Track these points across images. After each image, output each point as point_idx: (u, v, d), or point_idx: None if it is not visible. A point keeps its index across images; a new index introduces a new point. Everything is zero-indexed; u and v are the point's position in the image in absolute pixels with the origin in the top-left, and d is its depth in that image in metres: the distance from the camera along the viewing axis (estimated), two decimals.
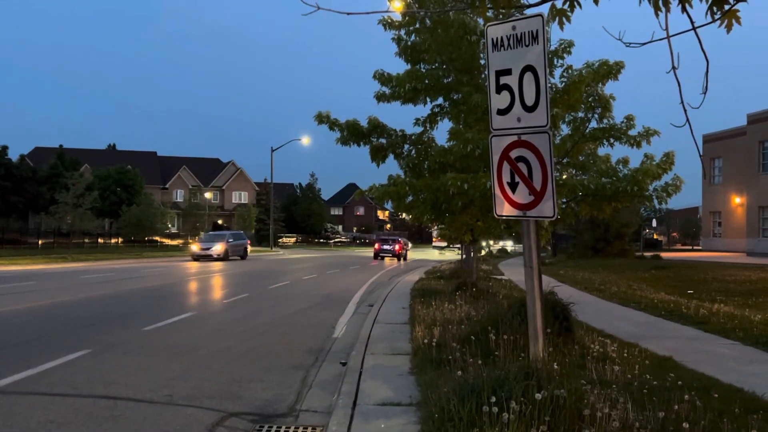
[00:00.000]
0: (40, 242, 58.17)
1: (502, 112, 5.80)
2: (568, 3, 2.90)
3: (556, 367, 5.97)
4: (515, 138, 5.74)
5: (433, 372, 7.57)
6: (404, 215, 12.99)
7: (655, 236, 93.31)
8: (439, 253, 72.04)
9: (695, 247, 76.04)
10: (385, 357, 9.07)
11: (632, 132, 10.56)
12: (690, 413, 5.61)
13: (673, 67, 2.94)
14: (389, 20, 10.84)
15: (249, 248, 50.79)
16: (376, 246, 58.91)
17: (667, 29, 2.83)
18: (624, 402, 5.71)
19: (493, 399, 5.03)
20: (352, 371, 8.20)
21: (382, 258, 56.14)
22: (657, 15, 2.82)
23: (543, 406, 5.01)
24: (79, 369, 8.64)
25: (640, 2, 2.82)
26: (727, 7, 2.78)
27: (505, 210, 5.89)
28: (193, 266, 37.07)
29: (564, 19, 3.03)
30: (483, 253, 15.49)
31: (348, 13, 3.50)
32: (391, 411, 6.34)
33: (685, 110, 2.97)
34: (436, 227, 17.32)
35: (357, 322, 13.48)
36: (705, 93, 2.95)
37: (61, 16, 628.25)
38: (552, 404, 5.06)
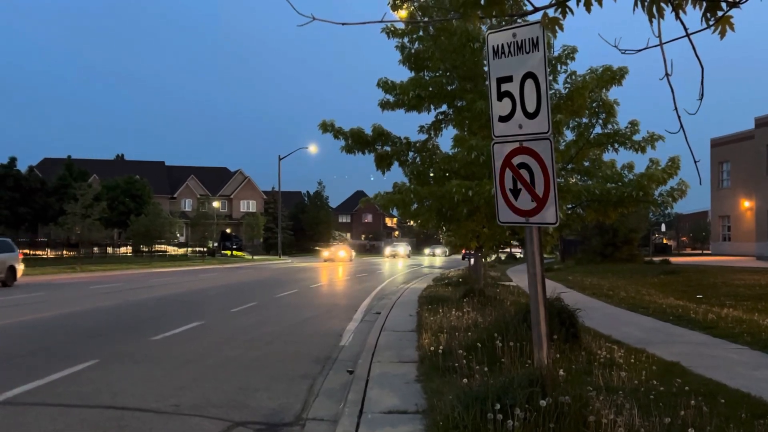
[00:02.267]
0: (49, 253, 58.37)
1: (503, 119, 5.81)
2: (559, 11, 2.91)
3: (562, 373, 5.96)
4: (517, 145, 5.75)
5: (439, 379, 7.57)
6: (411, 222, 13.01)
7: (665, 241, 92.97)
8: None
9: (705, 252, 75.70)
10: (392, 365, 9.07)
11: (637, 137, 10.56)
12: (696, 419, 5.59)
13: (667, 74, 2.95)
14: (392, 28, 10.87)
15: (21, 267, 29.47)
16: (463, 250, 67.66)
17: (659, 36, 2.84)
18: (630, 408, 5.70)
19: (498, 406, 5.03)
20: (359, 379, 8.20)
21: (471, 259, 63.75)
22: (651, 22, 2.83)
23: (547, 413, 5.00)
24: (86, 379, 8.66)
25: (634, 10, 2.84)
26: (720, 13, 2.79)
27: (507, 217, 5.90)
28: None
29: (557, 27, 3.04)
30: (491, 258, 15.33)
31: (342, 24, 3.51)
32: (397, 419, 6.34)
33: (678, 116, 2.98)
34: (442, 234, 17.32)
35: (364, 330, 13.47)
36: (701, 99, 2.95)
37: (69, 25, 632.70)
38: (557, 411, 5.05)
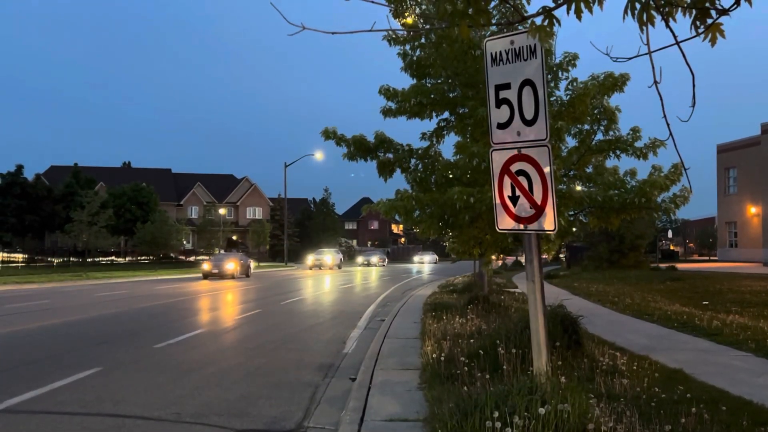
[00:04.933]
0: (55, 261, 58.60)
1: (501, 126, 5.82)
2: (547, 20, 2.91)
3: (563, 380, 5.95)
4: (515, 152, 5.75)
5: (441, 387, 7.55)
6: (415, 229, 12.97)
7: (671, 247, 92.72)
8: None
9: (712, 258, 75.46)
10: (395, 372, 9.06)
11: (638, 144, 10.53)
12: (697, 426, 5.57)
13: (655, 82, 2.95)
14: (394, 36, 10.88)
15: None
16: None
17: (648, 44, 2.85)
18: (630, 416, 5.68)
19: (496, 414, 5.01)
20: (361, 387, 8.20)
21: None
22: (642, 30, 2.84)
23: (546, 421, 4.99)
24: (89, 387, 8.68)
25: (624, 18, 2.84)
26: (709, 21, 2.79)
27: (506, 224, 5.89)
28: None
29: (547, 35, 3.04)
30: (491, 267, 15.12)
31: (332, 33, 3.52)
32: (398, 426, 6.34)
33: (668, 124, 2.98)
34: (447, 241, 17.32)
35: (368, 337, 13.46)
36: (693, 106, 2.96)
37: (76, 33, 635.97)
38: (556, 419, 5.04)
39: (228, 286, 32.83)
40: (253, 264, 49.44)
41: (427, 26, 9.83)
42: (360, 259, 77.15)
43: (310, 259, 62.80)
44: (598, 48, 3.15)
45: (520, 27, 5.80)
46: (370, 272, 54.95)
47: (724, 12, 2.80)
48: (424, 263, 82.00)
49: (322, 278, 43.19)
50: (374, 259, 74.46)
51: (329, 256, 62.89)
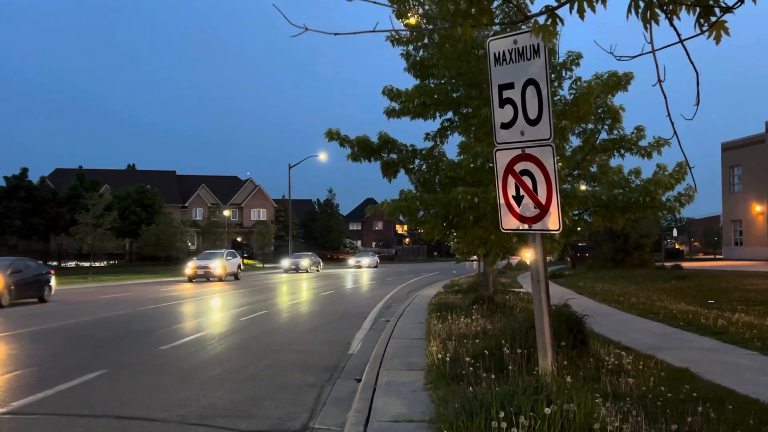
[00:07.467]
0: (60, 264, 58.63)
1: (505, 126, 5.81)
2: (550, 20, 2.91)
3: (569, 380, 5.93)
4: (519, 152, 5.73)
5: (446, 387, 7.54)
6: (419, 230, 12.97)
7: (677, 246, 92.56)
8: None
9: (717, 256, 75.22)
10: (400, 373, 9.05)
11: (643, 143, 10.52)
12: (704, 425, 5.55)
13: (659, 80, 2.95)
14: (397, 36, 10.89)
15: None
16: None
17: (651, 43, 2.84)
18: (636, 415, 5.66)
19: (502, 414, 5.00)
20: (366, 388, 8.18)
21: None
22: (646, 28, 2.83)
23: (552, 421, 4.98)
24: (94, 389, 8.69)
25: (627, 16, 2.84)
26: (714, 18, 2.79)
27: (511, 223, 5.89)
28: None
29: (548, 35, 3.04)
30: (495, 267, 14.98)
31: (335, 33, 3.51)
32: (403, 427, 6.32)
33: (672, 122, 2.98)
34: (452, 241, 17.31)
35: (373, 338, 13.44)
36: (697, 105, 2.95)
37: (79, 37, 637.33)
38: (562, 418, 5.02)
39: None
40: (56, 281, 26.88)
41: (430, 26, 9.84)
42: (286, 264, 58.67)
43: (189, 265, 41.44)
44: (601, 47, 3.15)
45: (523, 27, 5.79)
46: (297, 283, 38.37)
47: (728, 9, 2.79)
48: (361, 267, 68.13)
49: (198, 303, 24.12)
50: (304, 263, 57.82)
51: (218, 262, 41.42)
